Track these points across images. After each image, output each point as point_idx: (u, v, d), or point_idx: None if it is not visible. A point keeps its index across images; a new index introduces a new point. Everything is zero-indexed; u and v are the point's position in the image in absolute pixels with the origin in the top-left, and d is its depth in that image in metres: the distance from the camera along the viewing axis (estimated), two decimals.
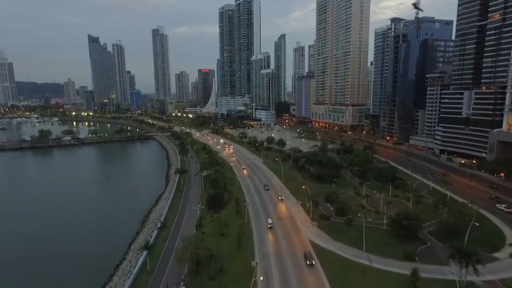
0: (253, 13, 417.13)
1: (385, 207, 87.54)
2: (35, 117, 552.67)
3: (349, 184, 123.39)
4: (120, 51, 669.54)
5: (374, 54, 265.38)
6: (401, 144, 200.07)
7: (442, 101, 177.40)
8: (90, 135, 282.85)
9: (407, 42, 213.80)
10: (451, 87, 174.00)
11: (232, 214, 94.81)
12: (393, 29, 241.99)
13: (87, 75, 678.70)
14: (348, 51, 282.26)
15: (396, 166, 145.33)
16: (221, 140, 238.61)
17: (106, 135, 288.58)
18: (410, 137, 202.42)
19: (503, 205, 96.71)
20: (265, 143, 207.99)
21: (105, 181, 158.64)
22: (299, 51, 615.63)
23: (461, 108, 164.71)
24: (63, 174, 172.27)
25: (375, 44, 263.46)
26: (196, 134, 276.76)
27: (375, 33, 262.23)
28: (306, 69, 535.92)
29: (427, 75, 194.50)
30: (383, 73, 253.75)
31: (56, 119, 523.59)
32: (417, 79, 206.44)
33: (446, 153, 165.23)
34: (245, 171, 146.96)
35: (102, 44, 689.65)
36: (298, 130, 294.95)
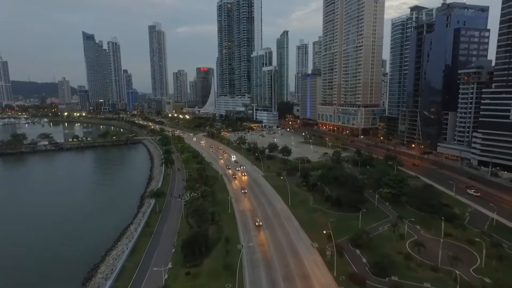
0: (253, 6, 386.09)
1: (455, 270, 55.81)
2: (24, 117, 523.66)
3: (378, 212, 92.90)
4: (116, 48, 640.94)
5: (391, 48, 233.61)
6: (430, 153, 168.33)
7: (482, 101, 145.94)
8: (70, 140, 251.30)
9: (433, 32, 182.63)
10: (493, 85, 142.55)
11: (219, 269, 64.42)
12: (414, 19, 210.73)
13: (85, 74, 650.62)
14: (360, 45, 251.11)
15: (434, 185, 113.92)
16: (233, 157, 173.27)
17: (89, 139, 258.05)
18: (439, 144, 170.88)
19: None
20: (266, 151, 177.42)
21: (64, 204, 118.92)
22: (302, 48, 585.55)
23: (508, 110, 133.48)
24: (12, 192, 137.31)
25: (392, 36, 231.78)
26: (201, 141, 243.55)
27: (392, 24, 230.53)
28: (310, 68, 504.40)
29: (459, 71, 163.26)
30: (402, 69, 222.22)
31: (46, 120, 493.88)
32: (446, 76, 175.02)
33: (490, 166, 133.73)
34: (259, 225, 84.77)
35: (97, 41, 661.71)
36: (303, 133, 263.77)
